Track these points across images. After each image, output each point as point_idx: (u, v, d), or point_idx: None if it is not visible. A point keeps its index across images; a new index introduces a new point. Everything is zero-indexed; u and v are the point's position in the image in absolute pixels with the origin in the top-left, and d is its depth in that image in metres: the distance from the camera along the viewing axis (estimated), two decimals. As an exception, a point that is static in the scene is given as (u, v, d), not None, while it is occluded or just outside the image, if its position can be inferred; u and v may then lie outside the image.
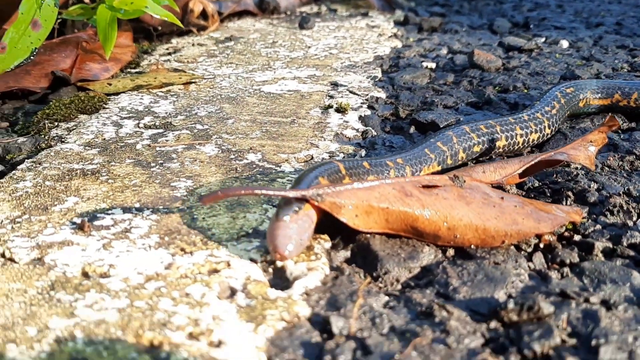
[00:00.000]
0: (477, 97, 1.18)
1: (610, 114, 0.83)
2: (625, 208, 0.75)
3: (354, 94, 1.17)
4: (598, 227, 0.71)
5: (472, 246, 0.66)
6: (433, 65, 1.41)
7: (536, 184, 0.82)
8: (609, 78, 1.26)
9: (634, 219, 0.74)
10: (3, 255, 0.62)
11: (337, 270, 0.63)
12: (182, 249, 0.63)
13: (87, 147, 0.90)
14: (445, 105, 1.13)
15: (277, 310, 0.55)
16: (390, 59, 1.46)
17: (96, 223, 0.68)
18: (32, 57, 1.14)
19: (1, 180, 0.79)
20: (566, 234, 0.70)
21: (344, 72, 1.33)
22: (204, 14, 1.76)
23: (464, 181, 0.71)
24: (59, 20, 1.37)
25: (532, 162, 0.79)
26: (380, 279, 0.62)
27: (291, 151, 0.90)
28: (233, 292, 0.57)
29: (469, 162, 0.87)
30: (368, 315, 0.56)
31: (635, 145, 0.94)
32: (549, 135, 0.94)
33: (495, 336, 0.53)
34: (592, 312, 0.55)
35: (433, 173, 0.80)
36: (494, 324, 0.55)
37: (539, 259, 0.65)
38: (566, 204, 0.77)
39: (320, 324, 0.54)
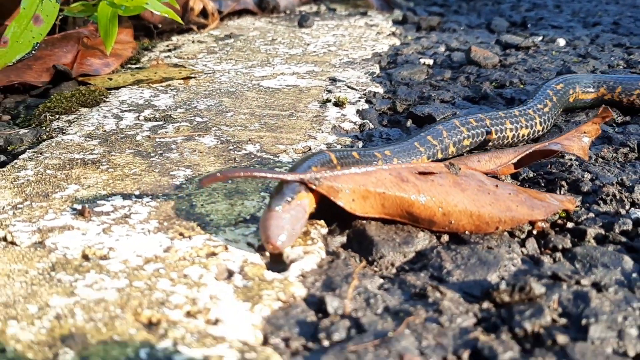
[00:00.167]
0: (473, 92, 1.19)
1: (603, 105, 0.84)
2: (618, 197, 0.77)
3: (352, 88, 1.19)
4: (591, 215, 0.73)
5: (467, 232, 0.67)
6: (431, 62, 1.42)
7: (531, 175, 0.83)
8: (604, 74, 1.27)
9: (627, 207, 0.75)
10: (4, 239, 0.63)
11: (333, 254, 0.64)
12: (181, 234, 0.65)
13: (87, 138, 0.91)
14: (442, 100, 1.14)
15: (273, 291, 0.56)
16: (389, 56, 1.47)
17: (96, 209, 0.69)
18: (33, 52, 1.15)
19: (3, 169, 0.80)
20: (559, 221, 0.71)
21: (342, 68, 1.34)
22: (204, 13, 1.77)
23: (459, 169, 0.73)
24: (60, 17, 1.38)
25: (527, 152, 0.80)
26: (375, 263, 0.63)
27: (289, 142, 0.91)
28: (230, 274, 0.58)
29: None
30: (363, 296, 0.57)
31: (629, 137, 0.95)
32: (541, 132, 0.95)
33: (487, 316, 0.54)
34: (583, 294, 0.56)
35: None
36: (486, 304, 0.56)
37: (531, 245, 0.67)
38: (560, 194, 0.78)
39: (316, 304, 0.55)
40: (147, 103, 1.08)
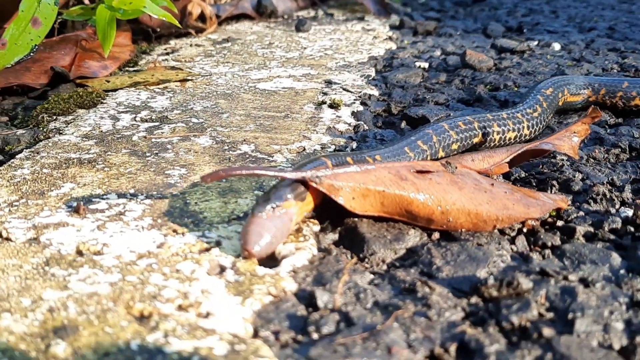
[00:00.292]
0: (468, 95, 1.20)
1: (592, 106, 0.85)
2: (608, 196, 0.77)
3: (348, 91, 1.20)
4: (581, 213, 0.73)
5: (464, 230, 0.68)
6: (426, 65, 1.43)
7: (522, 175, 0.84)
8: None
9: (617, 206, 0.76)
10: (0, 235, 0.64)
11: (325, 251, 0.65)
12: (174, 230, 0.65)
13: (84, 139, 0.92)
14: (437, 102, 1.15)
15: (264, 285, 0.56)
16: (384, 60, 1.48)
17: (91, 207, 0.70)
18: (32, 54, 1.16)
19: (0, 169, 0.81)
20: (549, 219, 0.72)
21: (338, 71, 1.35)
22: (202, 17, 1.78)
23: (456, 167, 0.73)
24: (59, 21, 1.39)
25: (519, 152, 0.81)
26: (366, 260, 0.64)
27: (284, 143, 0.92)
28: (222, 269, 0.59)
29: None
30: (353, 291, 0.57)
31: (620, 138, 0.96)
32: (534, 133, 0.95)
33: (475, 310, 0.55)
34: (570, 289, 0.57)
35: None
36: (474, 299, 0.56)
37: (521, 242, 0.67)
38: (551, 193, 0.79)
39: (306, 298, 0.56)
40: (143, 104, 1.09)
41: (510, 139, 0.91)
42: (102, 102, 1.11)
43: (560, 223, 0.71)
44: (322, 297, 0.55)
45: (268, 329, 0.52)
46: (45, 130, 0.97)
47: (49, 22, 1.19)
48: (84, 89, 1.16)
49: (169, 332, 0.49)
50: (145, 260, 0.59)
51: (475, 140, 0.88)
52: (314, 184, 0.64)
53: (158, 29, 1.68)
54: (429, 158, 0.82)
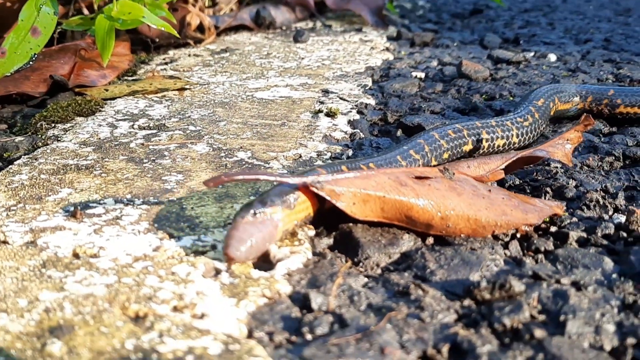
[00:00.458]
0: (464, 104, 1.21)
1: (585, 114, 0.86)
2: (601, 203, 0.78)
3: (344, 100, 1.21)
4: (574, 219, 0.74)
5: (463, 235, 0.68)
6: (423, 75, 1.44)
7: (517, 182, 0.85)
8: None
9: (610, 213, 0.76)
10: (-3, 239, 0.64)
11: (320, 255, 0.65)
12: (170, 234, 0.66)
13: (82, 145, 0.93)
14: (433, 111, 1.16)
15: (259, 288, 0.57)
16: (381, 70, 1.49)
17: (88, 211, 0.71)
18: (31, 63, 1.17)
19: (-2, 174, 0.82)
20: (543, 225, 0.73)
21: (335, 80, 1.36)
22: (200, 28, 1.80)
23: (453, 174, 0.74)
24: (58, 30, 1.40)
25: (514, 159, 0.82)
26: (360, 264, 0.64)
27: (280, 150, 0.92)
28: (217, 272, 0.59)
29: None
30: (347, 294, 0.58)
31: (614, 147, 0.97)
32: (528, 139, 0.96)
33: (468, 312, 0.55)
34: (562, 292, 0.57)
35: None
36: (467, 301, 0.57)
37: (515, 247, 0.68)
38: (545, 199, 0.79)
39: (301, 300, 0.56)
40: (141, 113, 1.10)
41: (499, 146, 0.92)
42: (100, 110, 1.11)
43: (553, 229, 0.72)
44: (316, 299, 0.56)
45: (262, 330, 0.52)
46: (43, 137, 0.98)
47: (48, 31, 1.20)
48: (82, 97, 1.17)
49: (164, 332, 0.49)
50: (141, 263, 0.60)
51: (466, 148, 0.89)
52: (315, 189, 0.64)
53: (157, 40, 1.69)
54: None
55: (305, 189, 0.65)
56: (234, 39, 1.88)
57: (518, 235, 0.70)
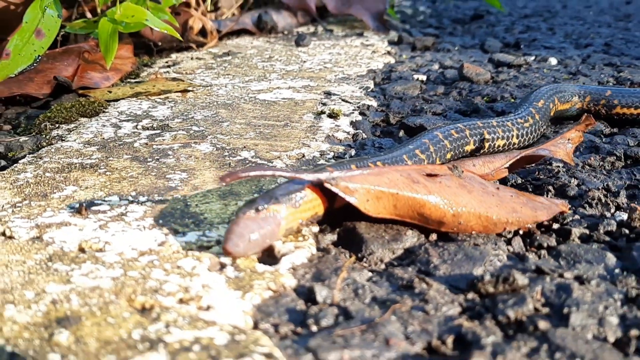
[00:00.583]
0: (465, 106, 1.22)
1: (586, 114, 0.87)
2: (603, 201, 0.78)
3: (347, 102, 1.21)
4: (576, 217, 0.74)
5: (474, 233, 0.68)
6: (424, 78, 1.45)
7: (519, 181, 0.85)
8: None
9: (612, 210, 0.77)
10: (3, 234, 0.65)
11: (324, 250, 0.66)
12: (175, 230, 0.66)
13: (86, 145, 0.94)
14: (434, 113, 1.17)
15: (264, 281, 0.57)
16: (383, 73, 1.50)
17: (93, 208, 0.71)
18: (35, 64, 1.18)
19: (3, 172, 0.82)
20: (545, 222, 0.73)
21: (337, 83, 1.37)
22: (203, 32, 1.81)
23: (462, 171, 0.74)
24: (62, 33, 1.41)
25: (517, 157, 0.82)
26: (364, 259, 0.64)
27: (284, 150, 0.93)
28: (222, 266, 0.60)
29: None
30: (351, 287, 0.58)
31: (616, 147, 0.97)
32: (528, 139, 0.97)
33: (472, 305, 0.56)
34: (566, 285, 0.57)
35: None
36: (471, 295, 0.57)
37: (517, 243, 0.68)
38: (547, 197, 0.80)
39: (305, 293, 0.57)
40: (145, 113, 1.11)
41: (499, 146, 0.93)
42: (104, 111, 1.12)
43: (556, 226, 0.72)
44: (321, 292, 0.56)
45: (268, 321, 0.52)
46: (47, 137, 0.99)
47: (52, 33, 1.21)
48: (86, 99, 1.18)
49: (170, 323, 0.50)
50: (146, 257, 0.60)
51: (468, 148, 0.89)
52: (329, 186, 0.64)
53: (159, 43, 1.70)
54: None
55: (316, 187, 0.65)
56: (236, 43, 1.89)
57: (521, 232, 0.71)
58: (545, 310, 0.55)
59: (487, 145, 0.91)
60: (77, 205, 0.71)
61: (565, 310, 0.54)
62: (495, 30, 2.35)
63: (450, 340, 0.51)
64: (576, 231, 0.70)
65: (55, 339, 0.47)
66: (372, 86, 1.35)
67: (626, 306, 0.55)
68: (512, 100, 1.26)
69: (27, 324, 0.49)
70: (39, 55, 1.18)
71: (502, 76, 1.47)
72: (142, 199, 0.74)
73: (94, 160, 0.87)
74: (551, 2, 3.53)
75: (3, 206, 0.71)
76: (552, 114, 1.07)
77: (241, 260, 0.60)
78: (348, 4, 2.21)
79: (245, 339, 0.48)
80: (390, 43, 1.95)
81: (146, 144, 0.94)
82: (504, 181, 0.85)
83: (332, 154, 0.93)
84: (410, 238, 0.68)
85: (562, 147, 0.83)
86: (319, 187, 0.65)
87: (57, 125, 1.05)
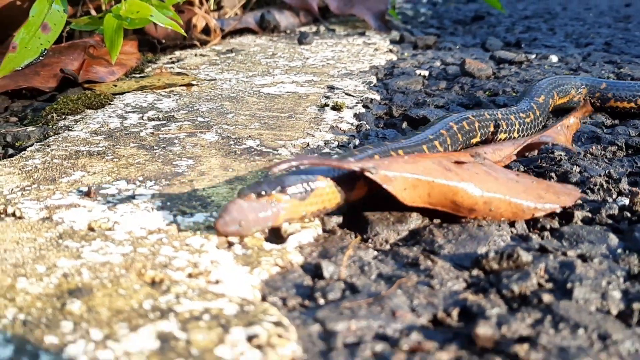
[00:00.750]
0: (467, 100, 1.22)
1: (583, 101, 0.88)
2: (605, 187, 0.79)
3: (350, 95, 1.22)
4: (579, 202, 0.75)
5: (503, 219, 0.68)
6: (426, 73, 1.46)
7: (522, 169, 0.86)
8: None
9: (614, 196, 0.78)
10: (13, 214, 0.65)
11: (330, 232, 0.66)
12: (183, 212, 0.67)
13: (93, 134, 0.95)
14: (437, 105, 1.18)
15: (271, 258, 0.58)
16: (385, 69, 1.51)
17: (102, 191, 0.72)
18: (41, 58, 1.19)
19: (11, 159, 0.83)
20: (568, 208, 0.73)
21: (340, 78, 1.38)
22: (206, 30, 1.82)
23: (484, 159, 0.74)
24: (67, 30, 1.42)
25: (524, 144, 0.83)
26: (370, 240, 0.65)
27: (288, 139, 0.94)
28: (230, 244, 0.60)
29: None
30: (357, 264, 0.59)
31: (617, 137, 0.98)
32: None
33: (476, 281, 0.56)
34: (569, 262, 0.58)
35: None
36: (475, 271, 0.58)
37: (521, 225, 0.69)
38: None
39: (312, 270, 0.58)
40: (150, 106, 1.12)
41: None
42: (110, 104, 1.13)
43: (558, 209, 0.73)
44: (327, 268, 0.57)
45: (276, 295, 0.53)
46: (54, 127, 1.00)
47: (58, 27, 1.22)
48: (92, 91, 1.19)
49: (180, 294, 0.51)
50: (155, 235, 0.61)
51: (474, 140, 0.90)
52: (369, 174, 0.63)
53: (163, 41, 1.71)
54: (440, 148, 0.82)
55: (334, 179, 0.64)
56: (239, 41, 1.90)
57: (524, 215, 0.71)
58: (549, 285, 0.55)
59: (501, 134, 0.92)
60: (86, 189, 0.72)
61: (569, 285, 0.55)
62: (496, 30, 2.37)
63: (455, 312, 0.51)
64: (579, 214, 0.71)
65: (67, 308, 0.47)
66: (374, 81, 1.37)
67: (629, 282, 0.56)
68: (514, 94, 1.27)
69: (40, 294, 0.49)
70: (45, 49, 1.20)
71: (503, 72, 1.48)
72: (149, 183, 0.75)
73: (101, 148, 0.88)
74: (551, 4, 3.54)
75: (12, 189, 0.72)
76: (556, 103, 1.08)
77: (248, 239, 0.61)
78: (350, 4, 2.23)
79: (254, 309, 0.49)
80: (392, 42, 1.97)
81: (152, 133, 0.95)
82: (507, 169, 0.86)
83: (336, 143, 0.94)
84: (415, 220, 0.68)
85: (562, 134, 0.84)
86: (341, 179, 0.64)
87: (63, 116, 1.06)
